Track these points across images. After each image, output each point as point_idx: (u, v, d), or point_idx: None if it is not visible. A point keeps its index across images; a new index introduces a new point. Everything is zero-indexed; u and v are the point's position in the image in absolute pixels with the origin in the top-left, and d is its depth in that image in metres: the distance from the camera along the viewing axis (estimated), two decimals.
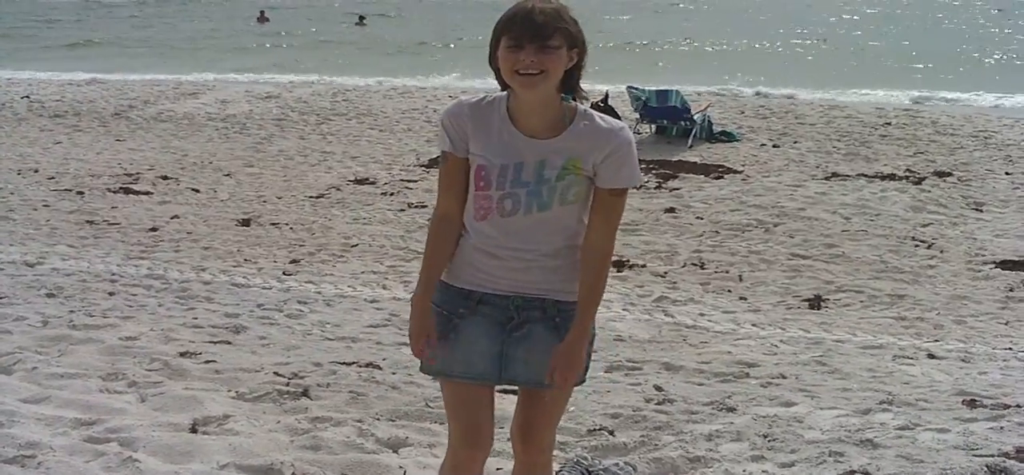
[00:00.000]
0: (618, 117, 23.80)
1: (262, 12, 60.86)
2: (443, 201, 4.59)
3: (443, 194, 4.59)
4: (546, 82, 4.27)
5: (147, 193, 17.37)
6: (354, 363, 8.84)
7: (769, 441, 7.15)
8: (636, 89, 23.94)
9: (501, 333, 4.53)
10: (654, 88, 24.25)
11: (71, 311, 10.33)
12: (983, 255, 14.05)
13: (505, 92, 4.43)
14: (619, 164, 4.39)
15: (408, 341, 4.65)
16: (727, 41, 49.65)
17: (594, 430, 7.28)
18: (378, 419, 7.37)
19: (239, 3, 68.63)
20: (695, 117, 23.09)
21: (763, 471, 6.59)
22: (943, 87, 33.89)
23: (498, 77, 4.37)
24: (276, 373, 8.40)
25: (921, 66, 40.82)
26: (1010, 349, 10.28)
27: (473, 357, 4.55)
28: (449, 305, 4.56)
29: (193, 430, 6.93)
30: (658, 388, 8.50)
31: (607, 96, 24.53)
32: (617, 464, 6.43)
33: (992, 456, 6.81)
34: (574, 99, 4.45)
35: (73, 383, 7.83)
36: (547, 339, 4.52)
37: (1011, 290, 12.47)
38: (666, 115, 23.38)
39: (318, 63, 40.94)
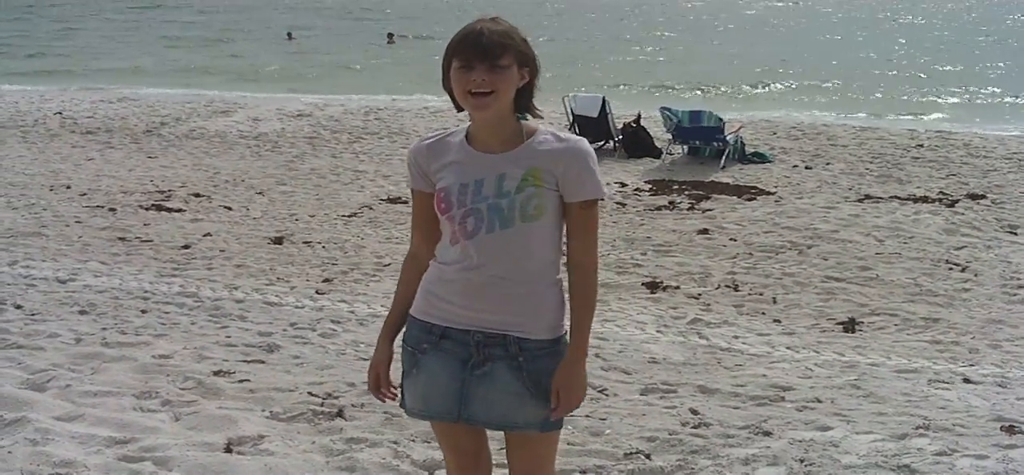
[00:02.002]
0: (651, 138, 23.95)
1: (289, 33, 61.28)
2: (412, 239, 4.66)
3: (413, 232, 4.65)
4: (497, 102, 4.27)
5: (179, 210, 17.39)
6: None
7: (806, 466, 7.10)
8: (669, 110, 23.94)
9: (462, 370, 4.44)
10: (687, 109, 24.24)
11: (104, 328, 10.34)
12: (1018, 278, 13.96)
13: (466, 125, 4.46)
14: (578, 174, 4.35)
15: None
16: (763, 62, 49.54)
17: (630, 454, 7.23)
18: (413, 441, 7.34)
19: (267, 23, 68.81)
20: (727, 138, 23.08)
21: None
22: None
23: (453, 99, 4.37)
24: (310, 393, 8.39)
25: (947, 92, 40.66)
26: None
27: (432, 394, 4.50)
28: (413, 340, 4.53)
29: (227, 450, 6.92)
30: (694, 411, 8.46)
31: (639, 117, 24.55)
32: None
33: None
34: (529, 117, 4.45)
35: (107, 401, 7.83)
36: (508, 380, 4.42)
37: None
38: (699, 136, 23.39)
39: (348, 82, 41.01)
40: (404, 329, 4.61)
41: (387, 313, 4.73)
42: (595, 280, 4.52)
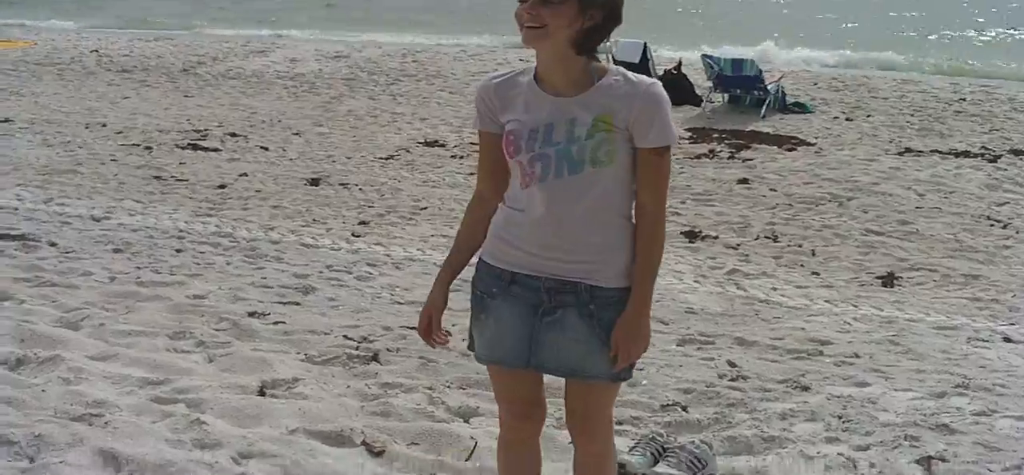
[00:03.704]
0: (692, 86, 23.82)
1: None
2: (478, 181, 4.50)
3: (479, 173, 4.50)
4: (548, 38, 4.09)
5: (215, 150, 17.38)
6: None
7: (843, 422, 7.00)
8: (711, 58, 23.79)
9: (532, 316, 4.32)
10: (730, 57, 24.08)
11: (138, 267, 10.32)
12: None
13: (534, 64, 4.30)
14: (650, 119, 4.17)
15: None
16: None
17: (667, 406, 7.15)
18: (449, 387, 7.29)
19: None
20: (769, 87, 22.92)
21: (838, 453, 6.45)
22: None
23: None
24: (346, 336, 8.34)
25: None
26: None
27: (500, 339, 4.38)
28: (482, 285, 4.40)
29: (261, 393, 6.87)
30: (731, 364, 8.37)
31: (681, 64, 24.41)
32: (693, 442, 6.31)
33: None
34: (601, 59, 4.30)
35: (140, 341, 7.80)
36: (579, 327, 4.29)
37: None
38: (740, 84, 23.24)
39: (387, 24, 40.90)
40: (476, 273, 4.47)
41: (447, 255, 4.58)
42: (663, 230, 4.34)
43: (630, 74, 4.26)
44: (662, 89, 4.24)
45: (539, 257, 4.26)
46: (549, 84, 4.22)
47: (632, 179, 4.28)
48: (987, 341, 9.64)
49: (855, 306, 10.80)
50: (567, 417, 4.60)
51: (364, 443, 6.16)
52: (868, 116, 22.69)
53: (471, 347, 4.55)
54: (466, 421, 6.74)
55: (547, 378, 4.56)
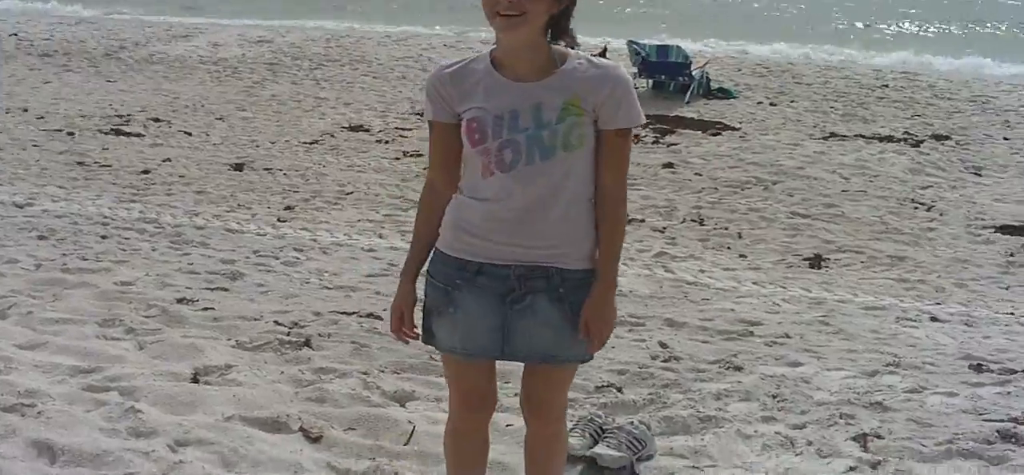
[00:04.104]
0: None
1: None
2: (430, 171, 4.47)
3: (430, 164, 4.46)
4: (527, 25, 4.06)
5: (138, 135, 17.18)
6: (354, 313, 8.71)
7: (778, 401, 7.06)
8: (636, 44, 23.85)
9: (501, 306, 4.30)
10: (655, 44, 24.17)
11: (64, 254, 10.20)
12: (982, 219, 13.94)
13: (488, 50, 4.27)
14: (619, 101, 4.18)
15: None
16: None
17: (602, 387, 7.16)
18: (383, 371, 7.26)
19: None
20: (693, 73, 23.00)
21: (775, 432, 6.50)
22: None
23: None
24: (276, 322, 8.28)
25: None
26: (1012, 314, 10.17)
27: (472, 331, 4.35)
28: (445, 277, 4.36)
29: (195, 380, 6.83)
30: (663, 345, 8.38)
31: (605, 50, 24.44)
32: (632, 423, 6.32)
33: (1002, 421, 6.76)
34: (564, 45, 4.27)
35: (69, 329, 7.72)
36: (551, 312, 4.30)
37: (1011, 255, 12.37)
38: (665, 70, 23.31)
39: (308, 7, 40.67)
40: (433, 264, 4.44)
41: (409, 251, 4.54)
42: (625, 210, 4.38)
43: (593, 58, 4.27)
44: (625, 71, 4.28)
45: (508, 245, 4.24)
46: (511, 70, 4.19)
47: (593, 161, 4.27)
48: (915, 321, 9.72)
49: (783, 288, 10.85)
50: (525, 400, 4.60)
51: (301, 429, 6.13)
52: (792, 102, 22.83)
53: (428, 341, 4.50)
54: (402, 405, 6.72)
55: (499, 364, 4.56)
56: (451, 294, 4.33)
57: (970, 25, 42.12)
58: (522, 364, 4.54)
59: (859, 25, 41.24)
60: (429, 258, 4.48)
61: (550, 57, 4.21)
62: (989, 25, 42.77)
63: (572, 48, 4.28)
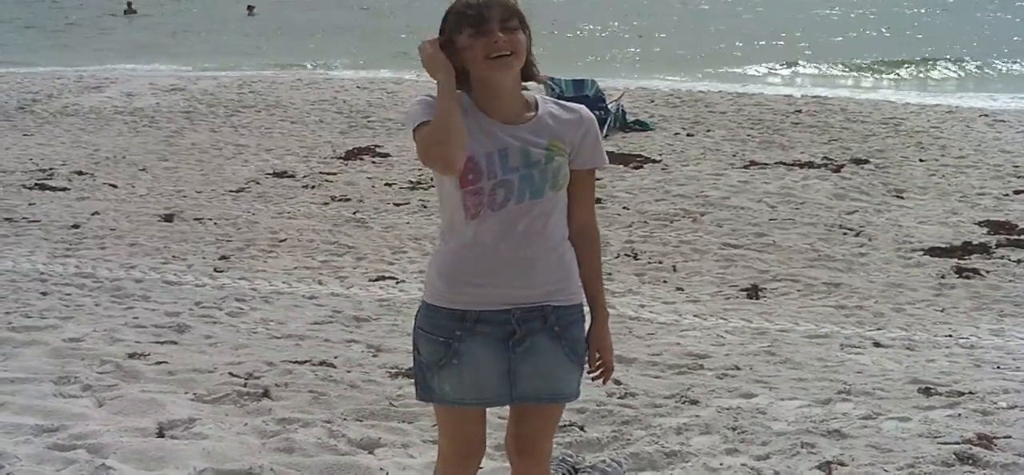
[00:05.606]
0: None
1: (129, 4, 61.19)
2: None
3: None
4: (517, 63, 4.22)
5: (64, 189, 17.00)
6: (307, 362, 8.71)
7: (739, 433, 7.16)
8: (552, 79, 23.94)
9: (505, 350, 4.38)
10: (570, 78, 24.29)
11: (7, 312, 10.09)
12: (910, 242, 14.14)
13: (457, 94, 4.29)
14: (594, 142, 4.42)
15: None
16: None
17: (564, 426, 7.18)
18: (345, 419, 7.27)
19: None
20: (609, 106, 23.12)
21: (742, 464, 6.59)
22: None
23: (459, 80, 4.23)
24: (231, 373, 8.26)
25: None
26: (950, 336, 10.37)
27: (479, 381, 4.40)
28: (445, 330, 4.38)
29: (161, 434, 6.81)
30: (617, 382, 8.43)
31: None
32: (604, 461, 6.39)
33: (957, 443, 6.89)
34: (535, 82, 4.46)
35: (25, 387, 7.66)
36: (550, 350, 4.40)
37: (942, 277, 12.57)
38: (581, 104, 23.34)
39: (211, 53, 40.65)
40: (428, 319, 4.44)
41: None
42: (599, 243, 4.58)
43: (559, 101, 4.40)
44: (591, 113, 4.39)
45: (506, 288, 4.31)
46: (497, 114, 4.27)
47: (566, 200, 4.39)
48: (859, 347, 9.88)
49: (724, 319, 10.97)
50: (516, 441, 4.63)
51: None
52: (708, 131, 23.02)
53: (427, 397, 4.53)
54: (371, 453, 6.74)
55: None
56: (453, 346, 4.37)
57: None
58: (506, 407, 4.60)
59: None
60: (420, 314, 4.51)
61: (524, 100, 4.34)
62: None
63: (541, 81, 4.43)
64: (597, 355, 4.54)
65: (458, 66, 4.23)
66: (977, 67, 39.78)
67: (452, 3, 4.29)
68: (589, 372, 4.56)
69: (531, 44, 4.33)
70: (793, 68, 39.58)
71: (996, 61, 41.03)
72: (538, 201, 4.27)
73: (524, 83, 4.37)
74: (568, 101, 4.44)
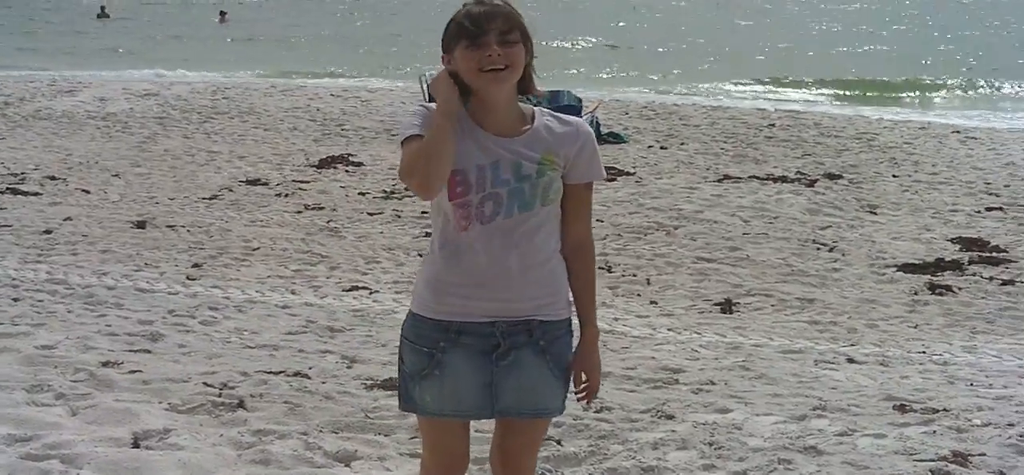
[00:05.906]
0: None
1: (102, 8, 61.23)
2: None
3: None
4: (512, 77, 4.22)
5: (36, 194, 16.91)
6: (281, 372, 8.65)
7: (715, 448, 7.16)
8: None
9: (488, 363, 4.36)
10: (547, 88, 24.28)
11: None
12: (884, 258, 14.18)
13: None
14: (590, 156, 4.39)
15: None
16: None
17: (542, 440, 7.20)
18: (321, 431, 7.24)
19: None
20: (584, 117, 23.12)
21: None
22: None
23: (464, 96, 4.27)
24: (206, 383, 8.19)
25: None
26: (924, 352, 10.38)
27: (459, 393, 4.39)
28: (429, 340, 4.38)
29: (136, 445, 6.76)
30: None
31: None
32: None
33: (932, 460, 6.91)
34: (527, 98, 4.41)
35: None
36: (535, 365, 4.39)
37: (915, 293, 12.60)
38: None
39: (183, 59, 40.57)
40: (413, 329, 4.45)
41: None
42: (595, 259, 4.56)
43: (556, 114, 4.37)
44: (589, 127, 4.36)
45: (492, 301, 4.29)
46: (492, 126, 4.26)
47: (559, 214, 4.37)
48: (833, 363, 9.88)
49: (698, 334, 10.95)
50: (500, 456, 4.62)
51: None
52: (682, 144, 23.10)
53: (408, 408, 4.52)
54: (347, 465, 6.72)
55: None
56: (436, 357, 4.36)
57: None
58: (491, 421, 4.59)
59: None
60: (407, 323, 4.50)
61: (520, 112, 4.32)
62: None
63: (535, 95, 4.39)
64: (582, 375, 4.50)
65: (461, 82, 4.25)
66: (952, 84, 40.16)
67: (454, 13, 4.29)
68: (573, 391, 4.53)
69: (532, 57, 4.33)
70: (766, 84, 39.67)
71: (975, 79, 41.50)
72: (527, 215, 4.26)
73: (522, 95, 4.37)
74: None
